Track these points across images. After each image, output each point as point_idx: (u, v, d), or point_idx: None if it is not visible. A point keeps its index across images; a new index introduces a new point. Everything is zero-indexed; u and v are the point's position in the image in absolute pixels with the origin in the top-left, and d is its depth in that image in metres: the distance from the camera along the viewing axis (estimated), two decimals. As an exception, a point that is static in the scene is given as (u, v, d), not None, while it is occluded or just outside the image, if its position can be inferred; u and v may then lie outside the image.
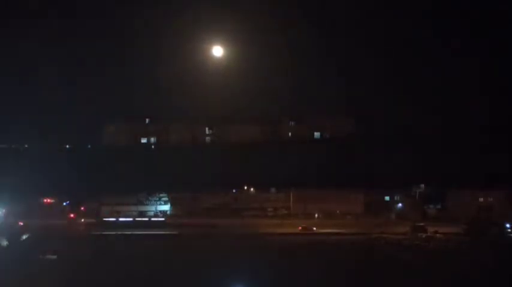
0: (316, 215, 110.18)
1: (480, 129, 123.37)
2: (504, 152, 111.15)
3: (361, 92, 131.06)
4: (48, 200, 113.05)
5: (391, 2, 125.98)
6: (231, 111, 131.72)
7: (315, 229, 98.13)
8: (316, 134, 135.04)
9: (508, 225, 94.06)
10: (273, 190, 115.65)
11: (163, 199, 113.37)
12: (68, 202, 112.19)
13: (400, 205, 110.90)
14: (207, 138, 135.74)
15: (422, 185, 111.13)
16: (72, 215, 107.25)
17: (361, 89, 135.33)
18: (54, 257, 69.95)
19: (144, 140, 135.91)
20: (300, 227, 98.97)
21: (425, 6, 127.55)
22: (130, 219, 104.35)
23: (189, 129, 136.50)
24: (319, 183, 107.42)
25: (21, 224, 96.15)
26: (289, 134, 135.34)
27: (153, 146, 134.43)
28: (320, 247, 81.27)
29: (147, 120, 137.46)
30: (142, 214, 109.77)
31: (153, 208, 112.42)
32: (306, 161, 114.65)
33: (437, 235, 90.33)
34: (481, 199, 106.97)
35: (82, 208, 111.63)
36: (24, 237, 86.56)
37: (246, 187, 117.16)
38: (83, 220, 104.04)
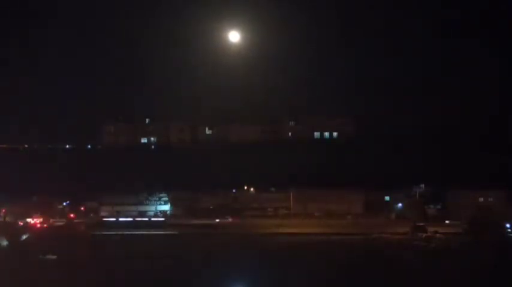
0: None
1: (480, 129, 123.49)
2: (504, 152, 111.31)
3: (361, 92, 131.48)
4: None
5: (393, 3, 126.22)
6: (231, 111, 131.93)
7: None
8: (316, 134, 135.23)
9: (508, 225, 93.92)
10: (273, 190, 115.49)
11: (163, 199, 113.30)
12: (68, 202, 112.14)
13: (400, 205, 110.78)
14: (207, 138, 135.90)
15: (422, 185, 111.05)
16: (72, 215, 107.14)
17: (362, 89, 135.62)
18: (54, 257, 69.86)
19: (144, 140, 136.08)
20: None
21: (426, 7, 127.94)
22: (131, 219, 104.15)
23: (189, 129, 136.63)
24: (319, 183, 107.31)
25: (21, 224, 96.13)
26: (289, 134, 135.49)
27: (153, 146, 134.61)
28: (320, 247, 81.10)
29: (147, 120, 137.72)
30: (142, 214, 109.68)
31: (153, 208, 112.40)
32: (306, 161, 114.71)
33: (437, 234, 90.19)
34: (481, 199, 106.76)
35: (82, 208, 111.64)
36: (24, 237, 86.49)
37: (246, 187, 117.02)
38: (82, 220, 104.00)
